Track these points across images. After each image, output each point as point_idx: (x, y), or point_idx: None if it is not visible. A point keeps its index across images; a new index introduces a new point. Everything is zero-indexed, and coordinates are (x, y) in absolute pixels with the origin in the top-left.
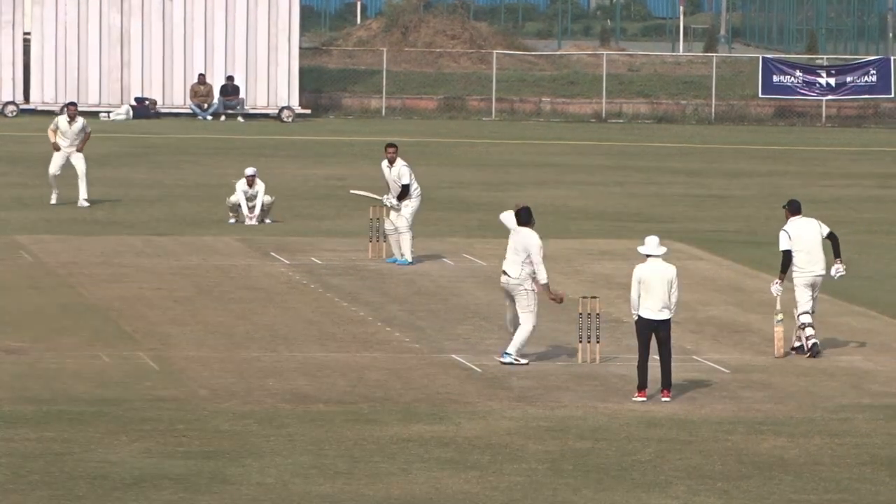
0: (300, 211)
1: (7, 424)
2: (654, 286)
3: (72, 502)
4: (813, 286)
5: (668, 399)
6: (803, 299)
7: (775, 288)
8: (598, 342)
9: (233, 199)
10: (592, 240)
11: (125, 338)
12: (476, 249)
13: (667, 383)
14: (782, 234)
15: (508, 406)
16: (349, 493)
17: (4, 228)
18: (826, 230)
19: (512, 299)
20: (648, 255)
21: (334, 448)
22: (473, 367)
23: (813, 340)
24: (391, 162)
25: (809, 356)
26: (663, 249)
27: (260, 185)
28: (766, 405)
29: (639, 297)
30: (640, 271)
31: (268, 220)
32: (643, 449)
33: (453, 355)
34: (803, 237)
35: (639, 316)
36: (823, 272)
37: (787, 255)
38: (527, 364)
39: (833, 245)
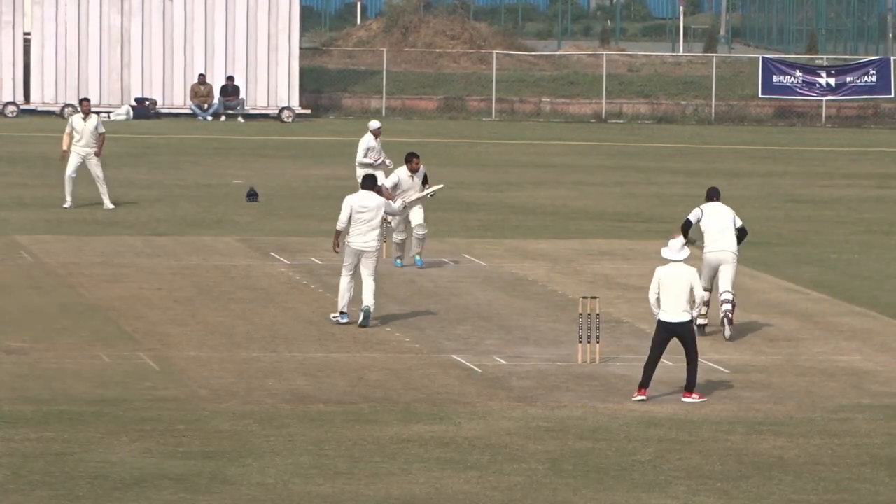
0: (300, 211)
1: (7, 424)
2: (673, 289)
3: (72, 502)
4: (718, 263)
5: (691, 400)
6: (706, 276)
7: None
8: (598, 342)
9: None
10: (592, 240)
11: (125, 338)
12: (476, 249)
13: (690, 385)
14: (695, 210)
15: (508, 406)
16: (349, 493)
17: (4, 228)
18: (739, 222)
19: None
20: (670, 260)
21: (334, 448)
22: (473, 367)
23: (701, 321)
24: (415, 172)
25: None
26: (686, 253)
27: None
28: (766, 405)
29: (657, 299)
30: (660, 273)
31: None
32: (643, 449)
33: (453, 355)
34: (714, 218)
35: (659, 319)
36: (731, 250)
37: (687, 224)
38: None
39: (740, 236)
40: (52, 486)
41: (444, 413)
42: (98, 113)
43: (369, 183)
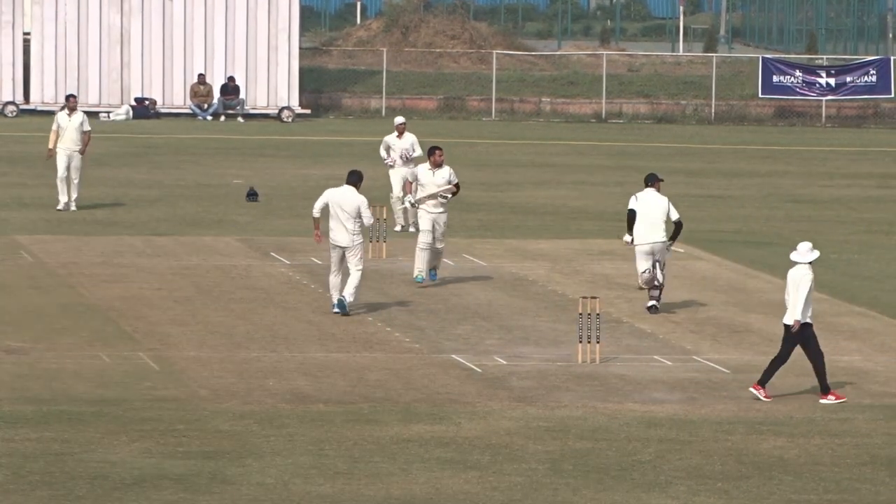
0: (300, 211)
1: (7, 424)
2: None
3: (72, 502)
4: (651, 254)
5: (829, 400)
6: (641, 268)
7: (626, 238)
8: (598, 342)
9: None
10: (592, 240)
11: (125, 338)
12: (476, 249)
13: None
14: (631, 199)
15: (508, 406)
16: (349, 493)
17: (4, 228)
18: (675, 215)
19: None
20: (797, 262)
21: (334, 448)
22: (473, 367)
23: (651, 303)
24: (438, 166)
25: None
26: (816, 254)
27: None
28: (766, 405)
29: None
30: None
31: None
32: (643, 449)
33: (453, 355)
34: (649, 207)
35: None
36: (661, 240)
37: (631, 215)
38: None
39: (675, 230)
40: (52, 486)
41: (444, 413)
42: (96, 113)
43: (353, 178)
